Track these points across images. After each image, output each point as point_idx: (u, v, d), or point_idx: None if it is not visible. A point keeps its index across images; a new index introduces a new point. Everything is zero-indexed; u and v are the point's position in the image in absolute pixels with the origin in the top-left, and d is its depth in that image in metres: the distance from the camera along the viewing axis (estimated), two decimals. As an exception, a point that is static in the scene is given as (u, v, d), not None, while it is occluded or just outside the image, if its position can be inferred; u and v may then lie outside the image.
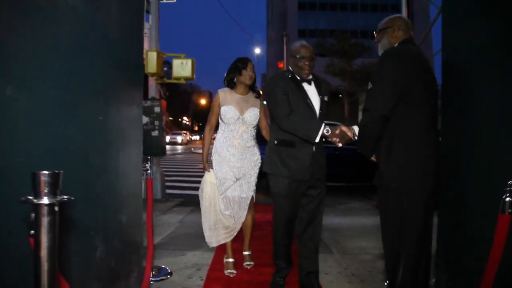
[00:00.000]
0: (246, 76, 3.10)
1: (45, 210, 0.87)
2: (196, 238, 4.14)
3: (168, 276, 3.06)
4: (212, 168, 3.18)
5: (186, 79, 7.34)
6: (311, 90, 2.71)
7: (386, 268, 2.21)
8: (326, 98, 2.75)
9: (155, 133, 4.69)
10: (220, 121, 3.18)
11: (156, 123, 4.75)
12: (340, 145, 2.38)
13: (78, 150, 1.51)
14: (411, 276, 2.02)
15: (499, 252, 1.38)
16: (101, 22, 1.68)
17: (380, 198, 2.14)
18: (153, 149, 4.54)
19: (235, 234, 3.17)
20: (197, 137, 57.59)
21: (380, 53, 2.23)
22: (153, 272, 3.01)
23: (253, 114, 3.12)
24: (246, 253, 3.34)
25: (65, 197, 0.90)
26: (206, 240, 3.19)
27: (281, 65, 22.75)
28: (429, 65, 2.13)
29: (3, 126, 1.11)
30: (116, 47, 1.85)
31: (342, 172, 7.36)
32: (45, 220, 0.88)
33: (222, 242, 3.18)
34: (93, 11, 1.60)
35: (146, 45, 6.76)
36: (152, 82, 7.17)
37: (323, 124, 2.40)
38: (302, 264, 2.79)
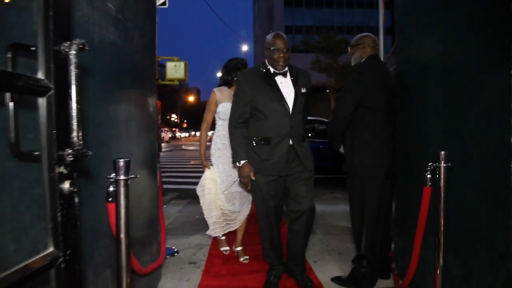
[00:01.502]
0: None
1: (122, 183, 1.40)
2: (196, 225, 4.66)
3: (175, 254, 3.59)
4: (211, 165, 3.26)
5: (179, 80, 7.85)
6: (285, 83, 2.63)
7: (354, 240, 2.78)
8: (304, 90, 2.64)
9: (152, 131, 5.19)
10: (217, 119, 3.25)
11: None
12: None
13: (117, 143, 2.01)
14: (371, 245, 2.59)
15: (424, 215, 1.93)
16: (128, 48, 2.18)
17: (347, 183, 2.71)
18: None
19: (239, 224, 3.34)
20: (186, 134, 57.73)
21: (352, 64, 2.79)
22: (162, 252, 3.52)
23: None
24: (238, 249, 3.40)
25: (133, 175, 1.43)
26: (211, 233, 3.32)
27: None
28: (389, 77, 2.70)
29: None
30: (138, 64, 2.36)
31: (327, 165, 7.93)
32: (122, 190, 1.40)
33: (226, 231, 3.34)
34: (124, 41, 2.10)
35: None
36: (147, 83, 7.63)
37: (245, 161, 2.58)
38: (290, 246, 2.79)
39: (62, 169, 1.09)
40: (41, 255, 1.05)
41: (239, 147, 2.62)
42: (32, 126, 1.09)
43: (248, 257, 3.36)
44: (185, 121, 79.69)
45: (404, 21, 2.66)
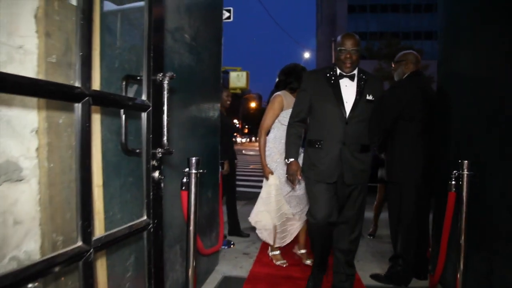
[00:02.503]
0: None
1: (193, 176, 1.84)
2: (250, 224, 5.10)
3: (232, 246, 4.04)
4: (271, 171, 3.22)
5: (242, 89, 8.44)
6: (350, 87, 2.51)
7: (391, 240, 3.02)
8: (370, 97, 2.49)
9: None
10: (279, 124, 3.21)
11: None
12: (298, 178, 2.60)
13: (187, 144, 2.48)
14: (407, 245, 2.83)
15: (449, 218, 2.16)
16: (199, 68, 2.66)
17: (387, 189, 2.97)
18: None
19: (298, 229, 3.35)
20: (244, 140, 59.05)
21: (395, 79, 3.06)
22: (221, 243, 3.99)
23: None
24: (302, 251, 3.44)
25: (201, 170, 1.87)
26: (276, 244, 3.33)
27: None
28: (430, 91, 2.93)
29: (179, 125, 2.10)
30: (206, 80, 2.84)
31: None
32: (193, 182, 1.84)
33: (288, 241, 3.35)
34: (196, 63, 2.58)
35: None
36: (212, 92, 8.32)
37: (293, 159, 2.58)
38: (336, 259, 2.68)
39: (154, 162, 1.55)
40: (139, 220, 1.51)
41: (290, 145, 2.64)
42: (135, 132, 1.56)
43: (311, 261, 3.24)
44: (246, 126, 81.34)
45: (444, 39, 2.88)
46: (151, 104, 1.51)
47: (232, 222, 4.64)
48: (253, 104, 75.47)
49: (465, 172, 2.06)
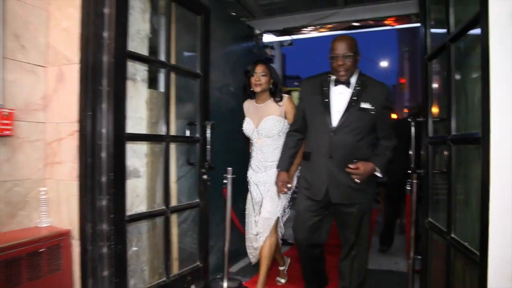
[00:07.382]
0: (253, 83, 2.71)
1: (229, 180, 3.06)
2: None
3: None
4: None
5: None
6: (344, 95, 2.26)
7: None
8: (366, 105, 2.20)
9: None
10: None
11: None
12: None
13: (224, 157, 3.71)
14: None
15: (409, 213, 3.04)
16: (241, 107, 3.90)
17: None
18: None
19: (257, 251, 2.84)
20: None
21: None
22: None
23: (268, 124, 2.68)
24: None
25: (234, 175, 3.09)
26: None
27: (402, 80, 22.36)
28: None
29: (224, 147, 3.35)
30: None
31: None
32: (229, 182, 3.07)
33: (253, 261, 3.00)
34: (237, 105, 3.81)
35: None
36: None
37: (280, 170, 2.48)
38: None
39: (203, 170, 2.80)
40: (194, 201, 2.77)
41: (282, 154, 2.56)
42: (194, 152, 2.83)
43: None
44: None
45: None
46: (201, 138, 2.78)
47: None
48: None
49: (414, 181, 2.97)
